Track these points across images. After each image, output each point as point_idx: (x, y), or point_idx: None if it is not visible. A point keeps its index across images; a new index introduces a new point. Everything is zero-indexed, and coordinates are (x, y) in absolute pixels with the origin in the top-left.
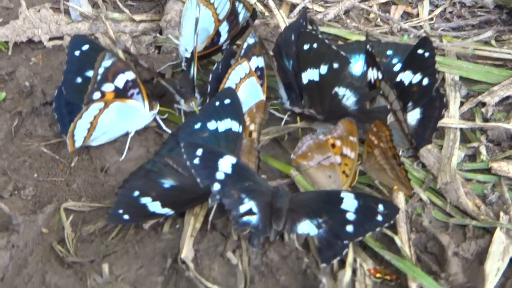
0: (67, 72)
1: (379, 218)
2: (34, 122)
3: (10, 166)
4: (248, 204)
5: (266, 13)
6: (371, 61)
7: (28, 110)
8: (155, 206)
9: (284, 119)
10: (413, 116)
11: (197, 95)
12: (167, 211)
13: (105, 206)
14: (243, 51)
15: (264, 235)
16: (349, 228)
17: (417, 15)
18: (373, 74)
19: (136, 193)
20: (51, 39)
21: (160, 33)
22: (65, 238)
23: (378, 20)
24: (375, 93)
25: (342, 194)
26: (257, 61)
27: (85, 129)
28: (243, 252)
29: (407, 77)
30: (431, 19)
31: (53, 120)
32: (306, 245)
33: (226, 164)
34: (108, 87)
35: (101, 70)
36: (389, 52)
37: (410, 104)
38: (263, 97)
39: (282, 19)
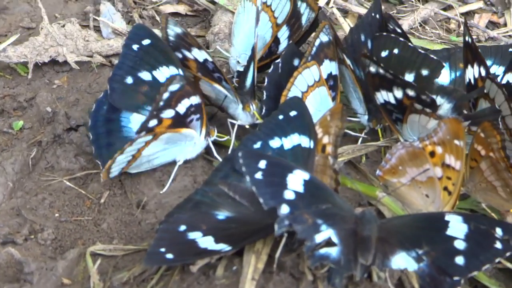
0: (117, 68)
1: (498, 245)
2: (56, 153)
3: (26, 206)
4: (326, 232)
5: None
6: (471, 56)
7: (49, 139)
8: (207, 242)
9: (361, 138)
10: None
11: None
12: (223, 247)
13: (143, 248)
14: (314, 49)
15: (348, 272)
16: (459, 260)
17: (505, 24)
18: (473, 73)
19: (182, 227)
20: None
21: (207, 48)
22: None
23: (462, 29)
24: (477, 92)
25: (447, 217)
26: (330, 67)
27: (125, 162)
28: None
29: None
30: None
31: (78, 149)
32: (401, 285)
33: (296, 180)
34: (168, 114)
35: (165, 95)
36: None
37: None
38: None
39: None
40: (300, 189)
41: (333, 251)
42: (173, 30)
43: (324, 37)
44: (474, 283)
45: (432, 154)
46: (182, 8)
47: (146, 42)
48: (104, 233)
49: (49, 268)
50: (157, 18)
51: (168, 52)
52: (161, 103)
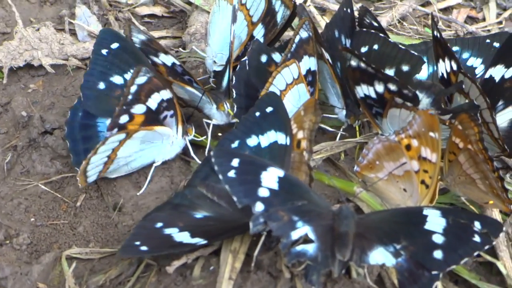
0: (88, 75)
1: (476, 238)
2: (32, 157)
3: (1, 211)
4: (303, 229)
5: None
6: (441, 50)
7: (25, 143)
8: (182, 236)
9: (339, 134)
10: (504, 117)
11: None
12: (198, 240)
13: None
14: (294, 46)
15: (325, 268)
16: (438, 254)
17: (483, 19)
18: (445, 67)
19: (159, 224)
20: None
21: (184, 49)
22: None
23: (440, 24)
24: (456, 87)
25: (425, 211)
26: (309, 63)
27: (101, 164)
28: None
29: (498, 72)
30: (500, 22)
31: (54, 153)
32: (381, 282)
33: (271, 178)
34: (138, 109)
35: (133, 88)
36: (455, 49)
37: (500, 103)
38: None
39: None
40: (275, 186)
41: (310, 248)
42: (138, 37)
43: (303, 33)
44: (454, 277)
45: (408, 147)
46: (158, 10)
47: (114, 45)
48: (80, 237)
49: (24, 273)
50: (134, 20)
51: (137, 53)
52: (130, 97)
